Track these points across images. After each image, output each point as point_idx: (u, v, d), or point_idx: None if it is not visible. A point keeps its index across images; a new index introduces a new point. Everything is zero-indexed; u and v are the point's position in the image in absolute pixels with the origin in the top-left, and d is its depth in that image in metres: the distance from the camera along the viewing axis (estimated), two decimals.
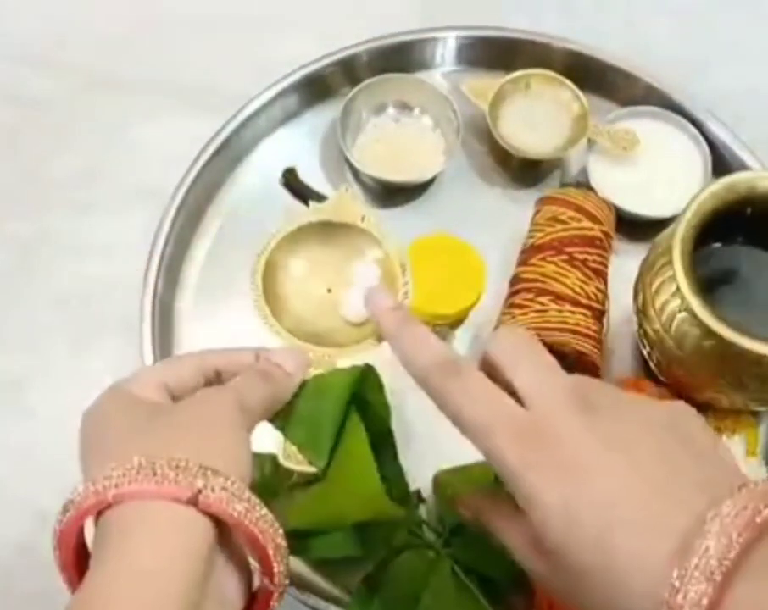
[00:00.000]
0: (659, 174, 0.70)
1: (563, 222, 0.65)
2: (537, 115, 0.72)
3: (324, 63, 0.73)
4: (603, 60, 0.74)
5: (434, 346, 0.38)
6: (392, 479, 0.51)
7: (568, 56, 0.74)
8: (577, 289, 0.63)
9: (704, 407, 0.60)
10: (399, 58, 0.75)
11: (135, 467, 0.33)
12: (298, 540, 0.56)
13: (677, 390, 0.60)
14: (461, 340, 0.66)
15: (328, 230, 0.54)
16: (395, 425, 0.55)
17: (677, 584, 0.30)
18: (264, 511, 0.35)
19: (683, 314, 0.54)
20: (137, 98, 0.75)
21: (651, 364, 0.61)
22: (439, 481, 0.58)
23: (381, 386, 0.48)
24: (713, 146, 0.70)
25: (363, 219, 0.54)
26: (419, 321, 0.40)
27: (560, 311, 0.62)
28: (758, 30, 0.81)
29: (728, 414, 0.60)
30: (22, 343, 0.66)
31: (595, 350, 0.62)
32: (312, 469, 0.46)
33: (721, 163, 0.70)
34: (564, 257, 0.63)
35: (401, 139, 0.73)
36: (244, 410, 0.39)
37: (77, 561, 0.35)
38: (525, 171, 0.72)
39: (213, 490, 0.33)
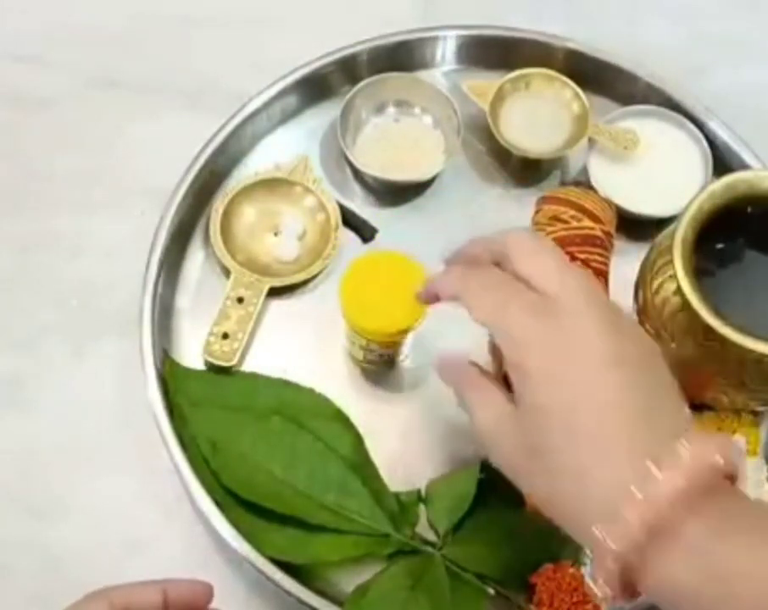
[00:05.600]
0: (659, 173, 0.70)
1: (564, 221, 0.65)
2: (538, 114, 0.72)
3: (324, 62, 0.73)
4: (604, 59, 0.74)
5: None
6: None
7: (569, 55, 0.74)
8: None
9: (704, 407, 0.60)
10: (399, 57, 0.74)
11: None
12: (298, 542, 0.56)
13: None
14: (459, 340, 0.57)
15: (276, 186, 0.68)
16: (396, 430, 0.62)
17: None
18: None
19: (684, 314, 0.54)
20: (137, 98, 0.75)
21: None
22: (429, 490, 0.58)
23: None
24: (713, 145, 0.70)
25: (314, 182, 0.69)
26: None
27: None
28: (758, 29, 0.81)
29: (729, 414, 0.60)
30: (22, 343, 0.66)
31: None
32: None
33: (721, 162, 0.70)
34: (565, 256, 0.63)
35: (401, 138, 0.72)
36: None
37: None
38: (525, 170, 0.72)
39: None
